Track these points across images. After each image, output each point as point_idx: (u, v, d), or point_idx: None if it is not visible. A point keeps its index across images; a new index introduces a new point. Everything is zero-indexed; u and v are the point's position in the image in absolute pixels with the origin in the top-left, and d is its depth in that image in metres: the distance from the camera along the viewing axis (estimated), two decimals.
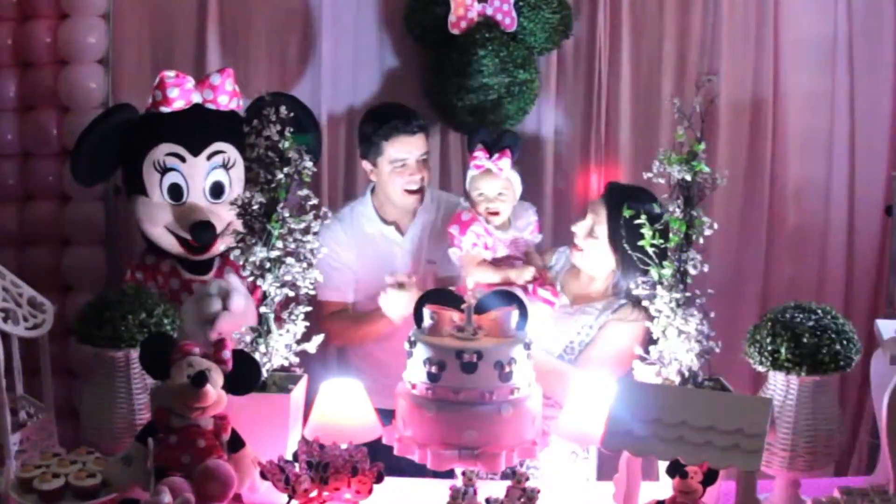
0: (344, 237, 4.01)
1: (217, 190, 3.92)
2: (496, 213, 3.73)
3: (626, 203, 3.34)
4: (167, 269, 3.94)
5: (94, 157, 3.85)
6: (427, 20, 4.47)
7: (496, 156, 3.70)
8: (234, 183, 3.96)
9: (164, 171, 3.83)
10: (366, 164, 4.05)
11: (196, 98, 3.89)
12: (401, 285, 3.74)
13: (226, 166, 3.93)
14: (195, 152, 3.85)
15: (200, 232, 3.80)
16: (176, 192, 3.85)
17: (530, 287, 3.62)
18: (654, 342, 3.21)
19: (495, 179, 3.72)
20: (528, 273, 3.65)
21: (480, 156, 3.71)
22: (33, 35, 4.50)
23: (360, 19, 4.78)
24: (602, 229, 3.56)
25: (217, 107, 3.93)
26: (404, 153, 3.94)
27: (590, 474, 3.50)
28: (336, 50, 4.78)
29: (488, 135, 3.79)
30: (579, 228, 3.63)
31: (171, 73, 3.82)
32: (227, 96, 3.95)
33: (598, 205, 3.63)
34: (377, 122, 3.98)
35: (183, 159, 3.83)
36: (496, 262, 3.71)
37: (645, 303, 3.21)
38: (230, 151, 3.92)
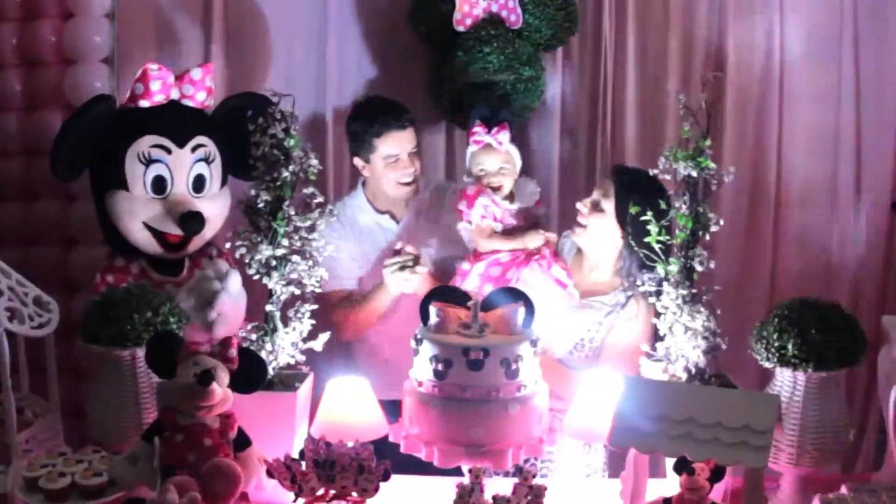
0: (341, 229, 4.01)
1: (199, 183, 3.86)
2: (499, 188, 3.76)
3: (636, 183, 3.50)
4: (137, 271, 3.84)
5: (77, 150, 3.75)
6: (432, 18, 4.46)
7: (495, 130, 3.74)
8: (214, 178, 3.91)
9: (149, 162, 3.77)
10: (358, 161, 4.06)
11: (174, 94, 3.85)
12: (397, 252, 3.80)
13: (207, 160, 3.88)
14: (180, 144, 3.79)
15: (190, 222, 3.72)
16: (160, 184, 3.77)
17: (544, 263, 3.63)
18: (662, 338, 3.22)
19: (496, 154, 3.76)
20: (540, 238, 3.67)
21: (480, 131, 3.75)
22: (38, 34, 4.50)
23: (366, 17, 4.78)
24: (609, 204, 3.56)
25: (193, 103, 3.90)
26: (396, 149, 3.95)
27: (598, 466, 3.53)
28: (341, 48, 4.78)
29: (486, 111, 3.83)
30: (584, 204, 3.64)
31: (154, 66, 3.79)
32: (204, 92, 3.91)
33: (605, 181, 3.64)
34: (367, 120, 3.99)
35: (168, 151, 3.76)
36: (506, 233, 3.72)
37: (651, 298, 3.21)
38: (210, 146, 3.88)
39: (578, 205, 3.67)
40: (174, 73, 3.84)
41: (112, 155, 3.75)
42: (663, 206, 3.25)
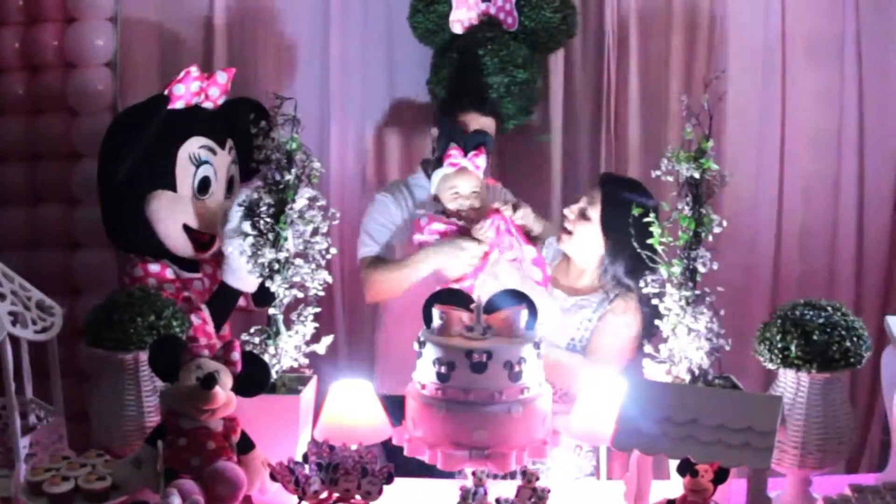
0: (392, 205, 4.04)
1: (231, 184, 3.94)
2: (476, 209, 3.77)
3: (621, 192, 3.57)
4: (172, 274, 3.88)
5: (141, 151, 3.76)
6: (429, 20, 4.47)
7: (472, 154, 3.74)
8: (236, 179, 4.00)
9: (199, 164, 3.82)
10: (433, 132, 4.10)
11: (200, 97, 3.87)
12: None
13: (235, 162, 3.96)
14: (221, 145, 3.87)
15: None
16: (205, 185, 3.83)
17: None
18: (652, 329, 3.24)
19: (471, 177, 3.76)
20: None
21: (456, 154, 3.75)
22: (41, 38, 4.51)
23: (369, 19, 4.79)
24: (595, 212, 3.60)
25: (213, 106, 3.91)
26: (473, 126, 3.97)
27: (589, 468, 3.53)
28: (344, 50, 4.79)
29: (460, 134, 3.83)
30: (571, 211, 3.68)
31: (194, 70, 3.80)
32: (224, 97, 3.95)
33: (592, 190, 3.68)
34: (457, 96, 4.20)
35: (214, 152, 3.83)
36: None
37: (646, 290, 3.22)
38: (234, 148, 3.95)
39: (566, 211, 3.71)
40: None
41: (163, 155, 3.77)
42: (650, 201, 3.42)
